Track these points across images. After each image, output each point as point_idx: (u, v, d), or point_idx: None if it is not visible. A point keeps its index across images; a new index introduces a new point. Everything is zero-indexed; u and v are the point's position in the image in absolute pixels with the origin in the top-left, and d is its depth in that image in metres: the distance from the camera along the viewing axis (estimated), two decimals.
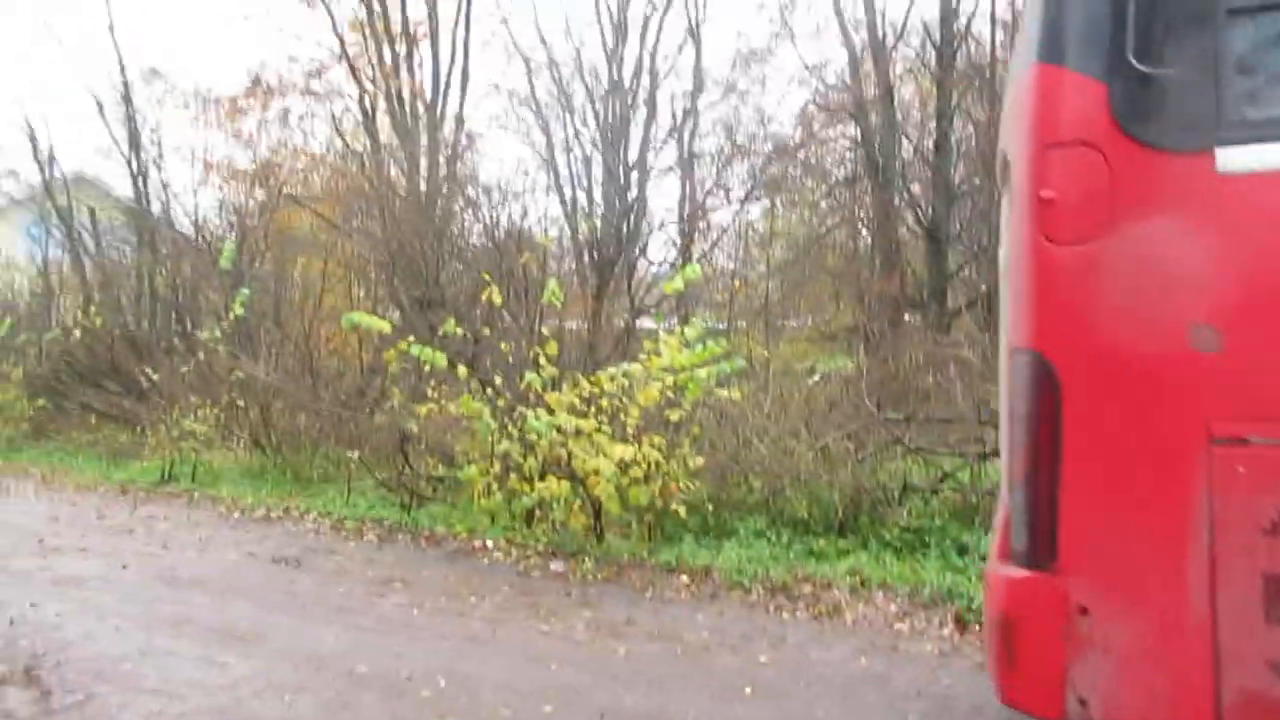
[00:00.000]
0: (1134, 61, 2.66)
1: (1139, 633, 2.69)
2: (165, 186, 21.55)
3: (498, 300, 9.91)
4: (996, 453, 9.55)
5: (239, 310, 13.42)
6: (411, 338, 9.66)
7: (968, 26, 18.57)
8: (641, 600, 7.25)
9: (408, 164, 21.23)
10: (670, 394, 9.06)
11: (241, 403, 13.34)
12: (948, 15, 18.46)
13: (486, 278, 10.16)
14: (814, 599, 7.12)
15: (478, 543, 9.00)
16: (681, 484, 8.64)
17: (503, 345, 10.02)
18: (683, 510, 8.45)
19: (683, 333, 9.27)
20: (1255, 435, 2.59)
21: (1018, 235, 2.94)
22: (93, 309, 17.75)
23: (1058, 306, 2.78)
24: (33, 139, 21.62)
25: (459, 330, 9.62)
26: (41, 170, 22.39)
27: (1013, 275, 3.03)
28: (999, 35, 17.57)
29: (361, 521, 10.03)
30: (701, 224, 22.72)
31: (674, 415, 9.02)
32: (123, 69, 21.60)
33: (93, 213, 22.36)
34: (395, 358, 9.83)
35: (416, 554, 8.87)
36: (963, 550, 7.86)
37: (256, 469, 13.31)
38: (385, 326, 9.74)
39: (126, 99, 21.78)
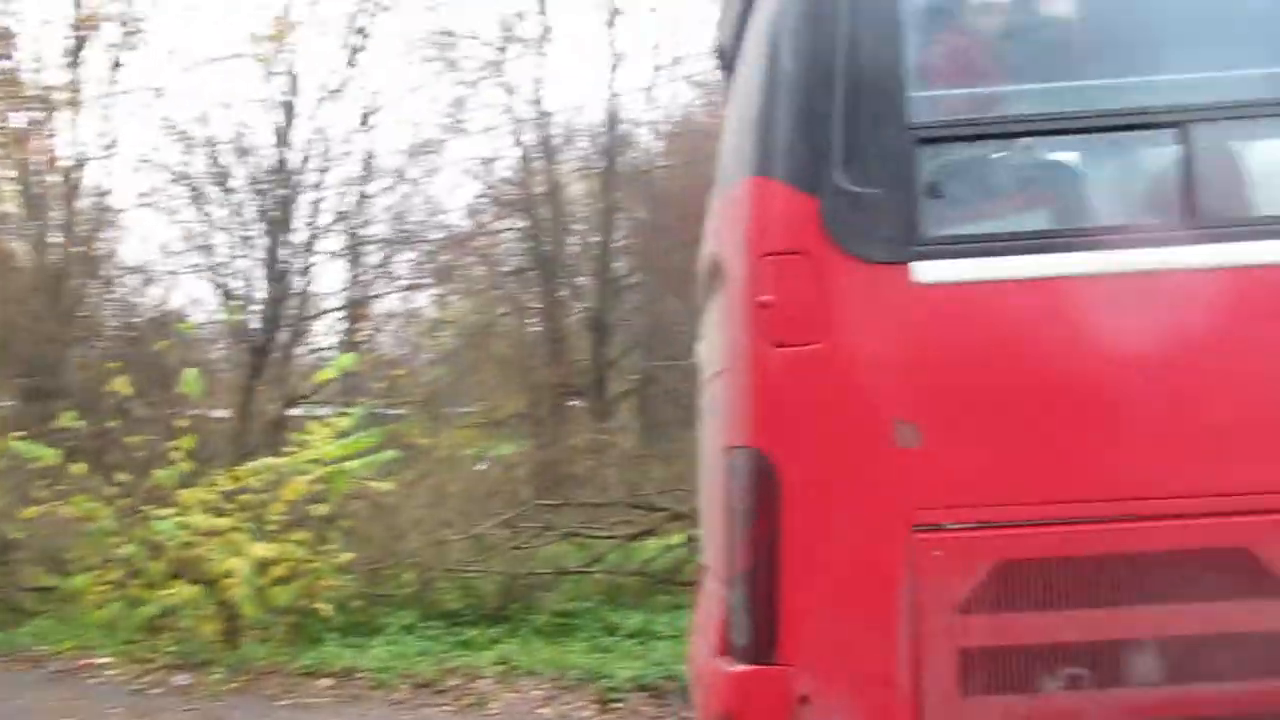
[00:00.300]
0: (840, 179, 2.88)
1: (855, 716, 2.80)
2: None
3: (125, 389, 9.12)
4: (646, 533, 10.07)
5: None
6: (16, 432, 8.64)
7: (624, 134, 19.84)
8: (276, 710, 6.81)
9: (35, 236, 19.21)
10: (319, 487, 8.71)
11: None
12: (612, 120, 19.64)
13: (113, 366, 9.35)
14: (461, 691, 7.02)
15: (87, 660, 8.06)
16: (328, 581, 8.27)
17: (129, 439, 9.20)
18: (328, 609, 8.07)
19: (336, 423, 8.99)
20: (949, 521, 2.81)
21: (735, 337, 3.06)
22: None
23: (776, 405, 2.88)
24: None
25: (79, 422, 8.73)
26: None
27: (729, 375, 3.12)
28: (656, 143, 18.98)
29: None
30: (367, 310, 22.26)
31: (320, 510, 8.65)
32: None
33: None
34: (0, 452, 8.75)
35: (14, 677, 7.80)
36: (611, 630, 8.09)
37: None
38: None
39: None
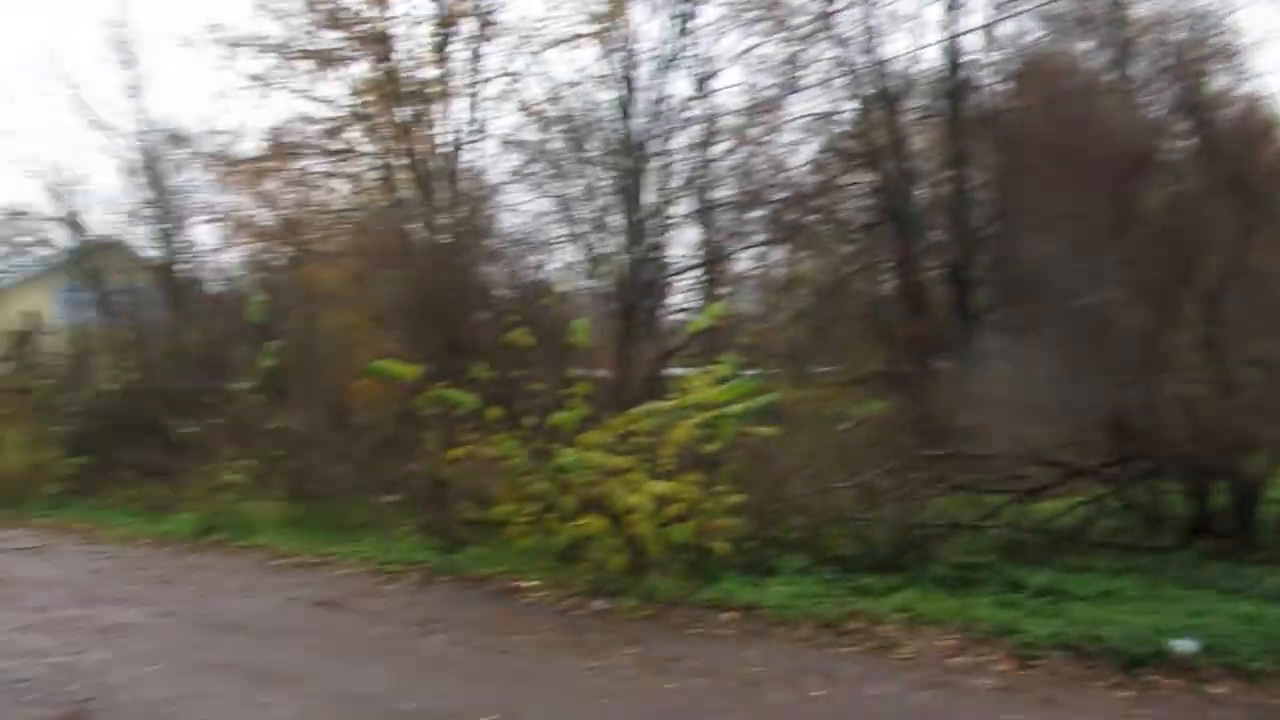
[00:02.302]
0: None
1: None
2: (191, 247, 21.92)
3: (525, 343, 9.92)
4: (1042, 488, 9.49)
5: (268, 362, 13.53)
6: (442, 384, 9.68)
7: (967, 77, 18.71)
8: (686, 637, 7.14)
9: (427, 217, 21.49)
10: (703, 431, 9.01)
11: (278, 453, 13.38)
12: (954, 64, 18.60)
13: (513, 321, 10.20)
14: (864, 635, 6.98)
15: (518, 583, 8.93)
16: (721, 521, 8.55)
17: (532, 386, 10.02)
18: (724, 546, 8.35)
19: (715, 370, 9.24)
20: None
21: None
22: (127, 367, 17.92)
23: None
24: (64, 205, 22.10)
25: (488, 374, 9.63)
26: (73, 235, 22.90)
27: None
28: (1004, 84, 17.72)
29: (401, 565, 9.98)
30: (722, 270, 22.79)
31: (709, 450, 8.95)
32: (147, 133, 22.07)
33: (123, 275, 22.79)
34: (426, 403, 9.85)
35: (457, 595, 8.81)
36: (1015, 586, 7.68)
37: (294, 518, 13.30)
38: (410, 373, 9.78)
39: (152, 163, 22.27)
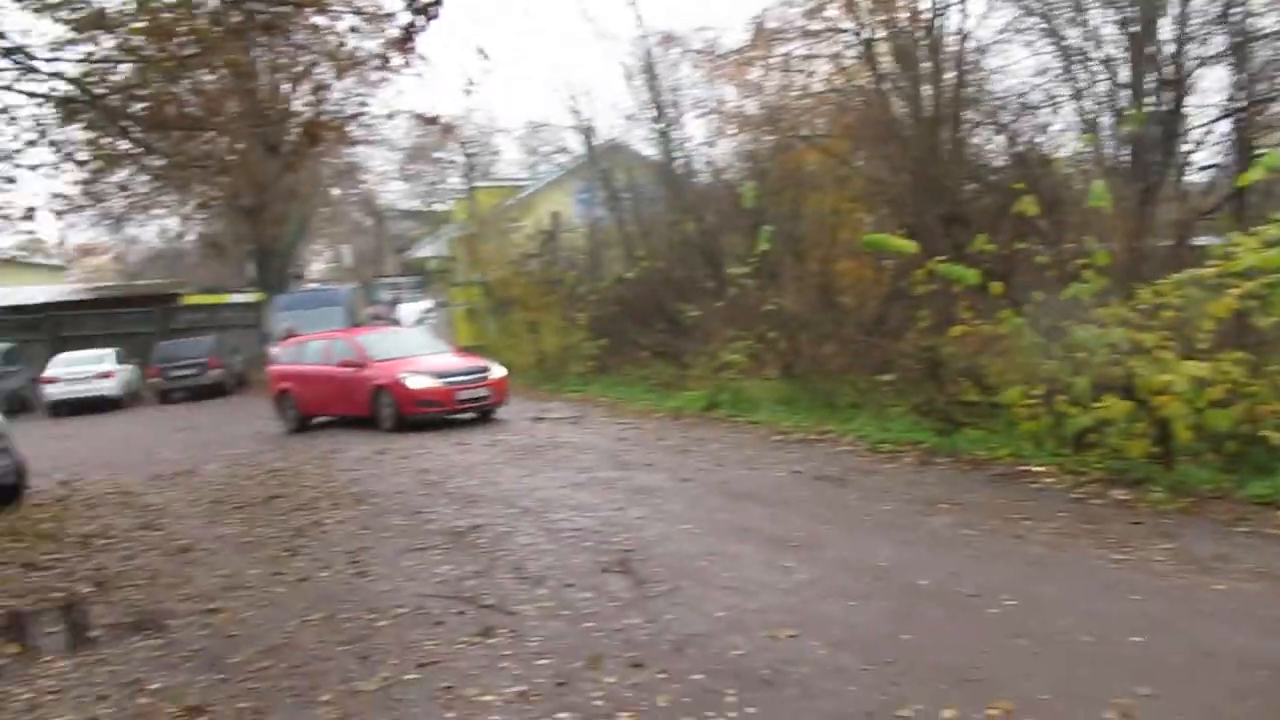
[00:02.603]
0: None
1: None
2: (684, 142, 23.19)
3: (1031, 211, 9.15)
4: None
5: (764, 246, 14.00)
6: (939, 258, 9.30)
7: None
8: (1232, 535, 6.31)
9: (911, 89, 20.61)
10: (1250, 303, 7.75)
11: (772, 334, 13.95)
12: None
13: (1018, 188, 9.45)
14: None
15: (1022, 467, 8.50)
16: (1273, 406, 7.37)
17: (1039, 259, 9.28)
18: (1276, 436, 7.20)
19: (1264, 232, 7.86)
20: None
21: None
22: (640, 256, 19.64)
23: None
24: (577, 114, 24.42)
25: (988, 246, 9.05)
26: (586, 141, 25.35)
27: None
28: None
29: (897, 445, 9.98)
30: (1260, 115, 19.29)
31: (1259, 324, 7.70)
32: (643, 38, 23.51)
33: (630, 172, 24.91)
34: (922, 279, 9.56)
35: (958, 477, 8.60)
36: None
37: (788, 396, 13.87)
38: (910, 247, 9.48)
39: (648, 66, 23.76)
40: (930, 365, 10.54)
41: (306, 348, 16.72)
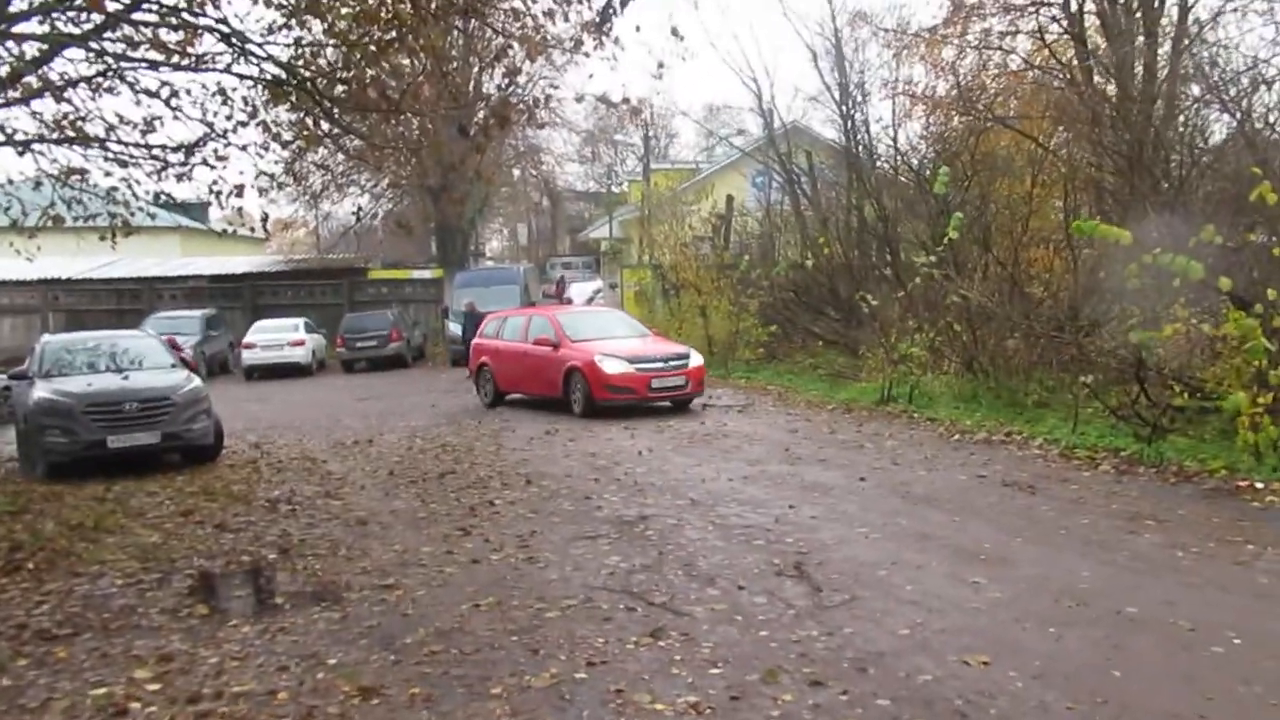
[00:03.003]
0: None
1: None
2: (867, 124, 22.40)
3: (1271, 199, 8.22)
4: None
5: (953, 234, 13.29)
6: (1157, 250, 8.51)
7: None
8: None
9: (1121, 65, 19.18)
10: None
11: (956, 327, 13.26)
12: None
13: (1256, 172, 8.54)
14: None
15: (1240, 482, 7.69)
16: None
17: (1277, 252, 8.37)
18: None
19: None
20: None
21: None
22: (820, 241, 19.11)
23: None
24: (758, 95, 23.96)
25: (1216, 238, 8.20)
26: (765, 122, 24.88)
27: None
28: None
29: (1093, 450, 9.26)
30: None
31: None
32: (833, 17, 22.83)
33: (809, 156, 24.30)
34: (1135, 272, 8.78)
35: (1163, 490, 7.87)
36: None
37: (968, 392, 13.19)
38: (1124, 236, 8.72)
39: (836, 46, 23.06)
40: (1134, 365, 9.73)
41: (507, 323, 16.60)
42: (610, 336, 14.83)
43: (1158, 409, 9.34)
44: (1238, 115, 12.23)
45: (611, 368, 13.77)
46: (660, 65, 16.17)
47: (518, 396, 15.90)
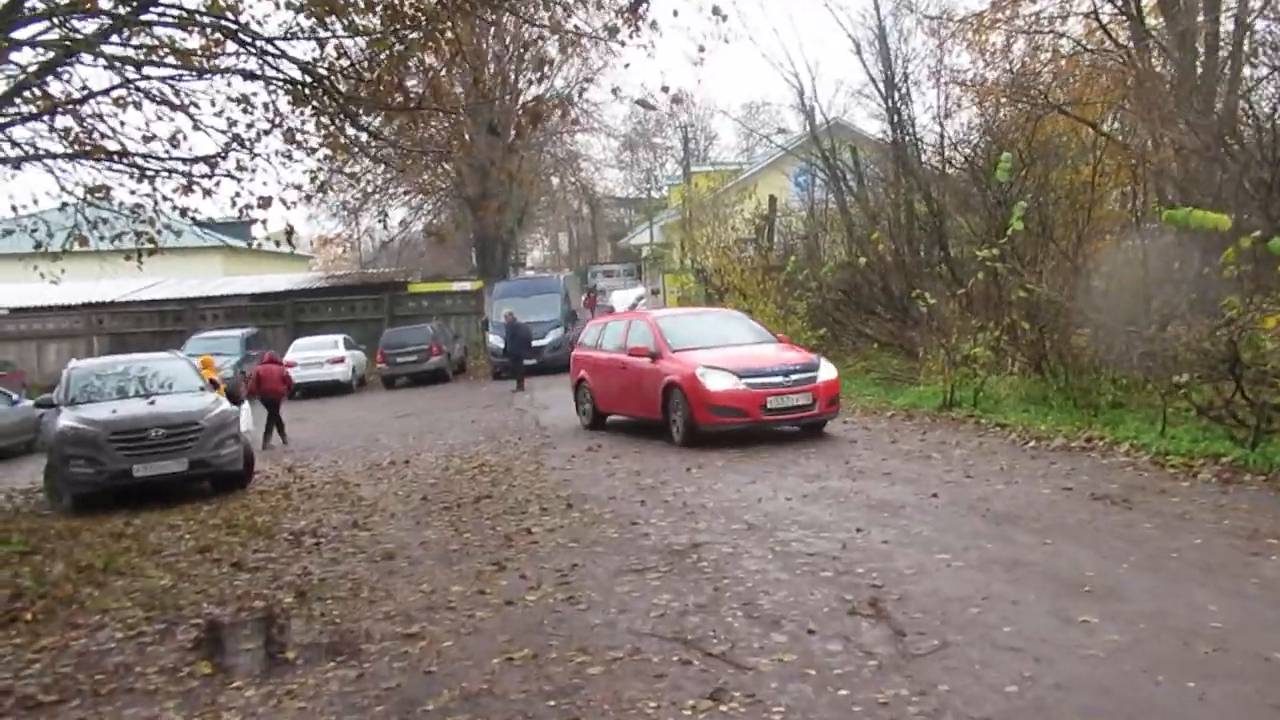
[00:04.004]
0: None
1: None
2: (912, 119, 21.54)
3: None
4: None
5: (1018, 224, 12.43)
6: (1257, 233, 7.67)
7: None
8: None
9: (1179, 45, 18.18)
10: None
11: (1025, 325, 12.38)
12: None
13: None
14: None
15: None
16: None
17: None
18: None
19: None
20: None
21: None
22: (874, 238, 18.27)
23: None
24: (799, 90, 23.22)
25: None
26: (807, 118, 24.08)
27: None
28: None
29: (1188, 457, 8.39)
30: None
31: None
32: (876, 6, 22.01)
33: (854, 151, 23.46)
34: (1233, 258, 7.93)
35: (1278, 501, 7.02)
36: None
37: (1037, 394, 12.32)
38: (1223, 222, 7.88)
39: (880, 36, 22.23)
40: (1230, 361, 8.83)
41: (607, 329, 14.28)
42: (723, 344, 12.18)
43: (1256, 409, 8.45)
44: None
45: (716, 383, 11.12)
46: (701, 50, 15.41)
47: (620, 418, 13.60)
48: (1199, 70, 17.27)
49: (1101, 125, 18.37)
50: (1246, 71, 17.04)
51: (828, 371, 11.68)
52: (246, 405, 16.12)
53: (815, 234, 23.60)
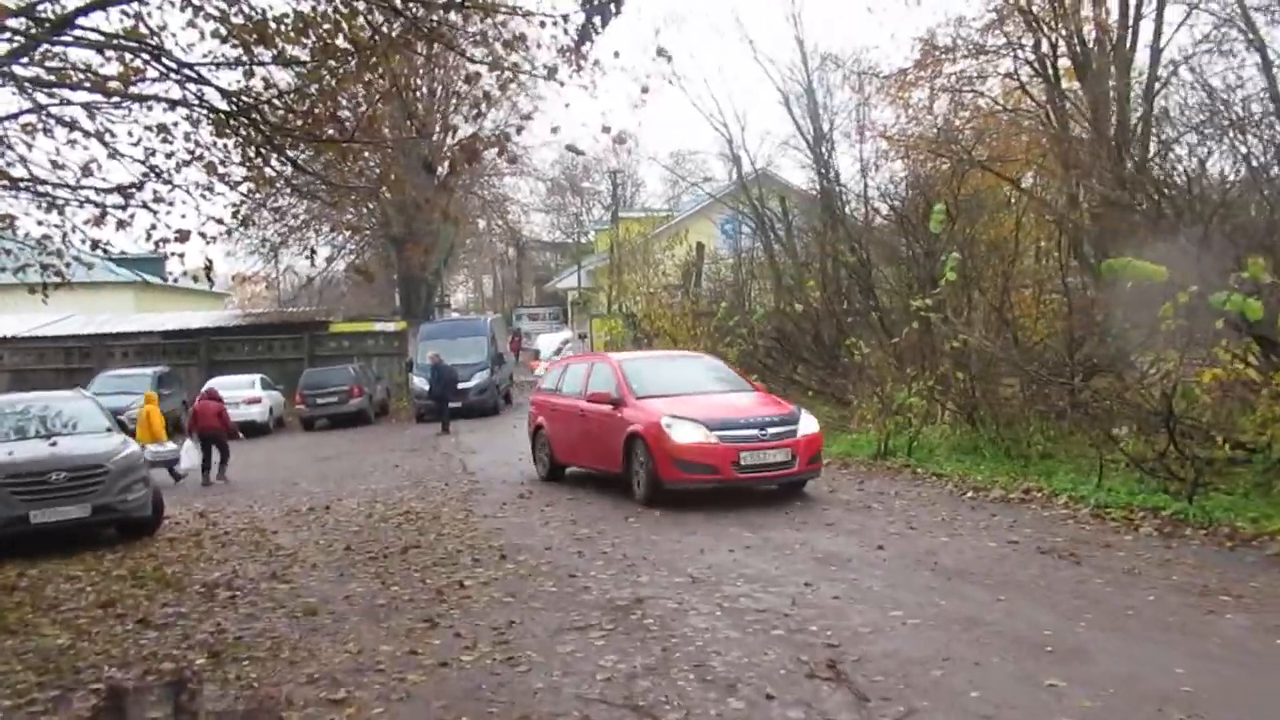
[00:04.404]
0: None
1: None
2: (837, 173, 21.87)
3: None
4: None
5: (950, 275, 12.52)
6: (1193, 287, 7.74)
7: None
8: None
9: (1094, 108, 18.81)
10: None
11: (959, 375, 12.42)
12: None
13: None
14: None
15: None
16: None
17: None
18: None
19: None
20: None
21: None
22: (809, 285, 18.32)
23: None
24: (729, 139, 23.45)
25: (1265, 275, 7.44)
26: (735, 166, 24.28)
27: None
28: None
29: (1128, 510, 8.38)
30: None
31: None
32: (804, 61, 22.32)
33: (783, 200, 23.68)
34: (1170, 312, 8.01)
35: (1223, 556, 7.00)
36: None
37: (968, 444, 12.34)
38: (1159, 273, 7.96)
39: (809, 90, 22.57)
40: (1165, 414, 8.90)
41: (568, 372, 13.17)
42: (694, 391, 11.06)
43: (1190, 462, 8.50)
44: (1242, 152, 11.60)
45: (684, 435, 9.94)
46: (644, 90, 15.34)
47: (578, 470, 12.49)
48: (1112, 131, 17.86)
49: (1020, 181, 18.89)
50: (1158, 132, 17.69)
51: (809, 425, 10.50)
52: (189, 442, 15.53)
53: (743, 281, 23.69)
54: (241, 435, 18.20)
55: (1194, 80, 16.56)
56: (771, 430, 10.07)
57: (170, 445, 15.43)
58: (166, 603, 7.27)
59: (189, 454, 15.47)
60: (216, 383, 24.43)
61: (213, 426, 15.53)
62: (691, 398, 10.75)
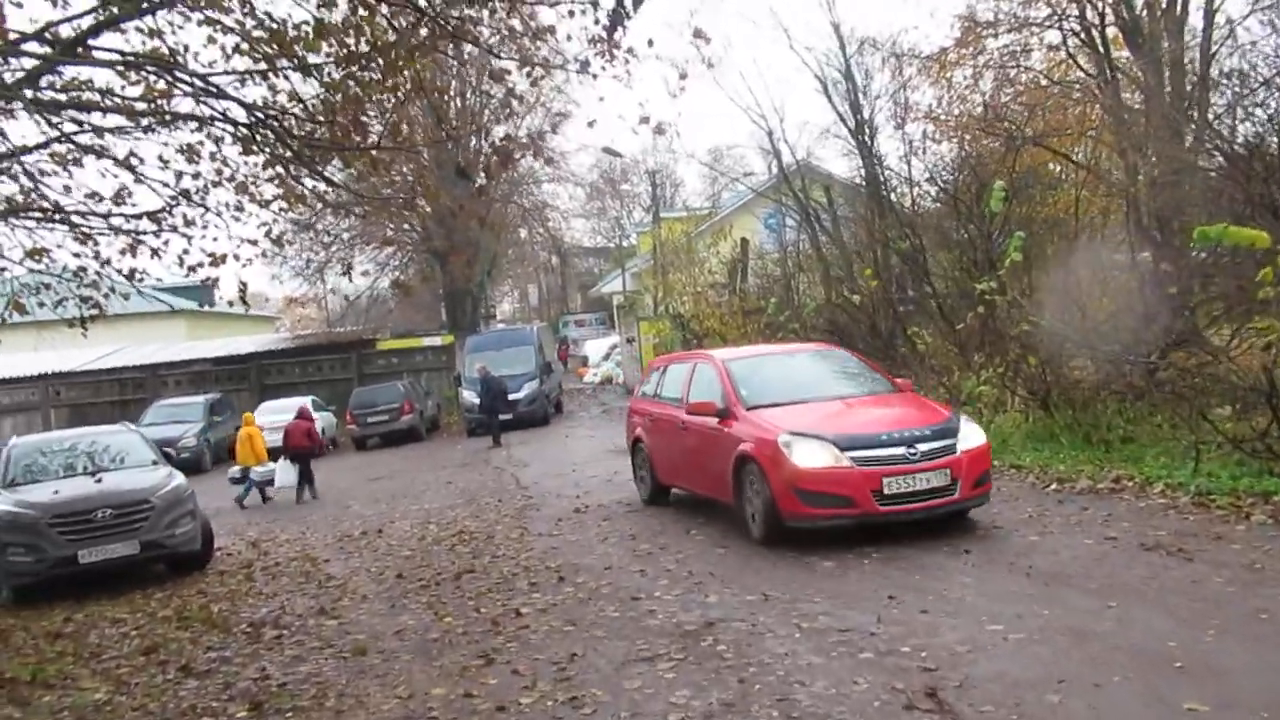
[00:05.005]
0: None
1: None
2: (881, 158, 21.18)
3: None
4: None
5: (1016, 256, 11.85)
6: None
7: None
8: None
9: (1148, 72, 17.94)
10: None
11: (1030, 360, 11.74)
12: None
13: None
14: None
15: None
16: None
17: None
18: None
19: None
20: None
21: None
22: (867, 274, 17.69)
23: None
24: (768, 132, 22.88)
25: None
26: (776, 159, 23.66)
27: None
28: None
29: (1234, 496, 7.70)
30: None
31: None
32: (842, 45, 21.66)
33: (828, 190, 23.03)
34: (1271, 277, 7.33)
35: None
36: None
37: (1043, 432, 11.67)
38: (1262, 239, 7.28)
39: (848, 75, 21.89)
40: (1267, 390, 8.21)
41: (668, 374, 10.91)
42: (819, 396, 8.82)
43: None
44: None
45: (808, 457, 7.73)
46: (683, 76, 14.79)
47: (682, 492, 10.50)
48: (1168, 97, 16.99)
49: (1074, 155, 18.08)
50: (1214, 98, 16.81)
51: (972, 436, 8.11)
52: (284, 461, 15.49)
53: (789, 275, 23.08)
54: (331, 447, 18.40)
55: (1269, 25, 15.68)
56: (923, 447, 7.72)
57: (270, 465, 15.74)
58: (211, 646, 6.93)
59: (283, 473, 15.65)
60: (268, 406, 24.43)
61: (300, 445, 15.78)
62: (816, 405, 8.59)
